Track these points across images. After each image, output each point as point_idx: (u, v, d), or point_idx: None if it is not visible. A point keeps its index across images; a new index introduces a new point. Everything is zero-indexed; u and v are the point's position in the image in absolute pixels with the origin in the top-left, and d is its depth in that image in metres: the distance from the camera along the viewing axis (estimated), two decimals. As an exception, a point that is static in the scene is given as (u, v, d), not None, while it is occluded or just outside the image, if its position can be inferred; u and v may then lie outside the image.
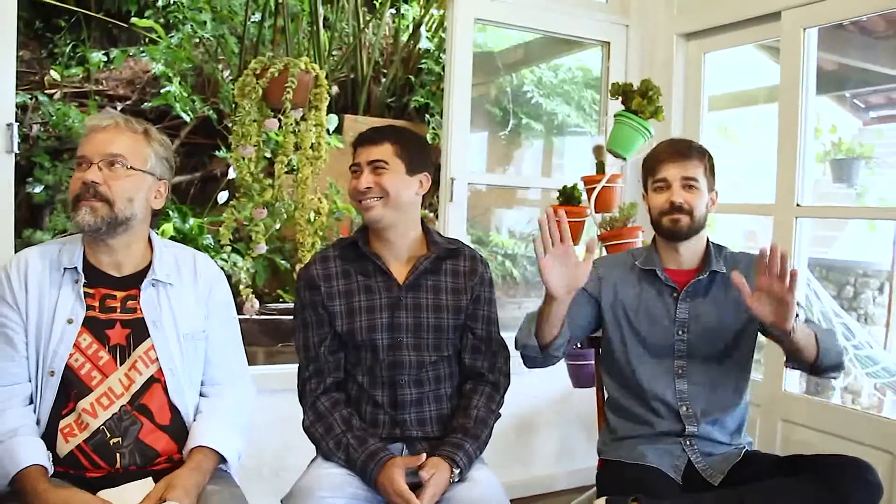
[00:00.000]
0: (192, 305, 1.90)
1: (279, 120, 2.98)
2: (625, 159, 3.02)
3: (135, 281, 1.85)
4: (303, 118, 2.96)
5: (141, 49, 5.26)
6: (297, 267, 2.96)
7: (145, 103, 5.25)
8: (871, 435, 2.69)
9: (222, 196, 4.14)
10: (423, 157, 2.08)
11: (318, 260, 2.08)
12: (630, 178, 3.54)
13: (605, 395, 2.35)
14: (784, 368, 3.08)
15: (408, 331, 2.02)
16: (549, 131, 5.23)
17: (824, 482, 1.87)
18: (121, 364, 1.77)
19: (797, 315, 1.92)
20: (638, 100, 2.97)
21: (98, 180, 1.76)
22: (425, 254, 2.08)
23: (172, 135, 5.29)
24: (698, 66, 3.59)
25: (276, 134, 3.18)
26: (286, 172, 2.98)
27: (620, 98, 3.02)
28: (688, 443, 2.12)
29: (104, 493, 1.66)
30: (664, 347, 2.18)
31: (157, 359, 1.80)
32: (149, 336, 1.81)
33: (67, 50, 5.10)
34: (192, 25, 4.93)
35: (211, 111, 4.85)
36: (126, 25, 5.32)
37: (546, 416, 3.59)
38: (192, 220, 4.30)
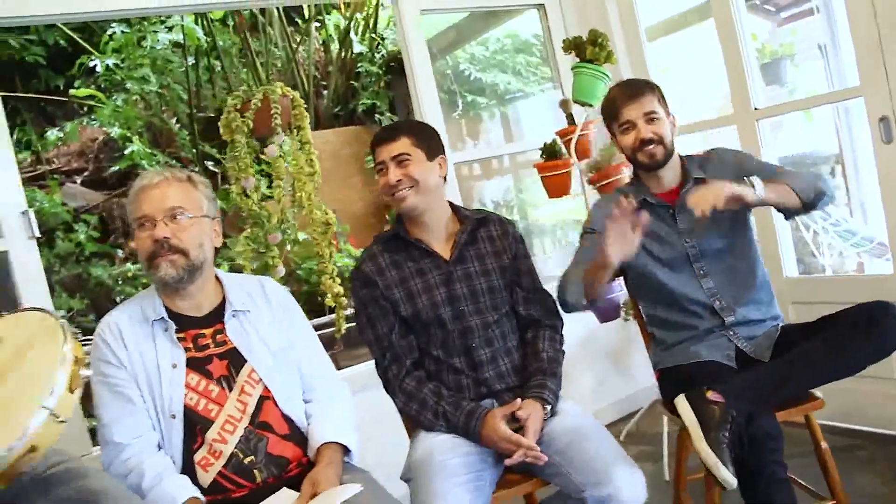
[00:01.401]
0: (271, 324, 2.05)
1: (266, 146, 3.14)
2: (592, 106, 3.23)
3: (216, 316, 2.00)
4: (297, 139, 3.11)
5: (85, 118, 5.31)
6: (323, 278, 3.14)
7: (106, 170, 5.31)
8: (868, 292, 2.93)
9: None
10: (436, 141, 2.27)
11: (367, 259, 2.26)
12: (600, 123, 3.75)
13: (644, 317, 2.57)
14: (781, 257, 3.35)
15: (466, 299, 2.21)
16: (498, 102, 5.43)
17: (856, 325, 2.11)
18: (230, 392, 1.92)
19: (753, 185, 2.15)
20: (591, 48, 3.18)
21: (168, 234, 1.91)
22: (460, 228, 2.27)
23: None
24: (630, 6, 3.82)
25: (264, 161, 3.32)
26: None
27: (574, 52, 3.23)
28: (731, 332, 2.35)
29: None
30: (680, 258, 2.40)
31: (259, 379, 1.96)
32: (245, 361, 1.96)
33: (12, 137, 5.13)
34: (131, 84, 5.00)
35: (174, 161, 4.94)
36: (63, 99, 5.36)
37: (576, 357, 3.76)
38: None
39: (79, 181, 5.20)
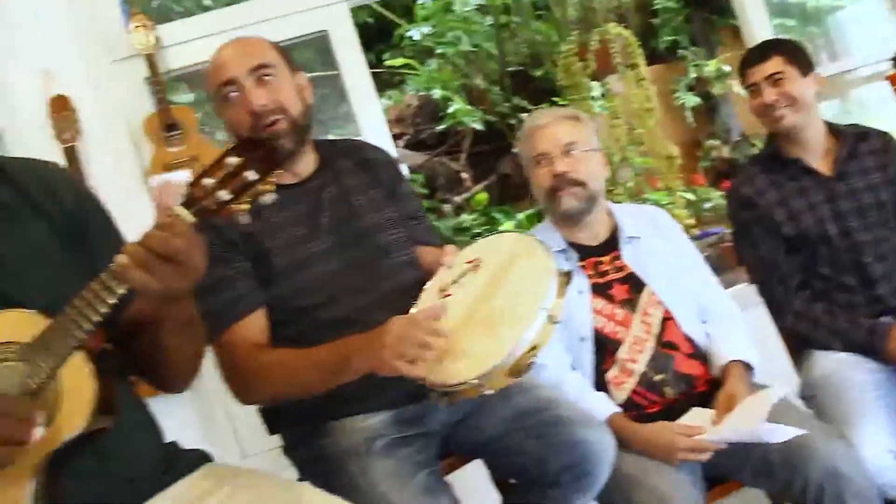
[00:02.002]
0: (662, 249, 2.12)
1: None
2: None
3: (611, 244, 2.10)
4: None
5: (398, 88, 5.72)
6: (674, 210, 3.17)
7: (423, 133, 5.69)
8: None
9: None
10: (807, 57, 2.20)
11: (744, 181, 2.24)
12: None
13: None
14: None
15: (853, 215, 2.13)
16: (809, 22, 5.06)
17: None
18: (633, 314, 2.02)
19: None
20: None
21: (566, 169, 2.03)
22: (838, 144, 2.19)
23: (455, 152, 5.68)
24: None
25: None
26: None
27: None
28: None
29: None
30: None
31: (660, 301, 2.03)
32: (645, 285, 2.04)
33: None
34: (443, 49, 5.30)
35: (491, 117, 5.19)
36: (376, 71, 5.80)
37: None
38: (520, 215, 4.64)
39: (402, 145, 5.61)
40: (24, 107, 2.69)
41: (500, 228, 4.55)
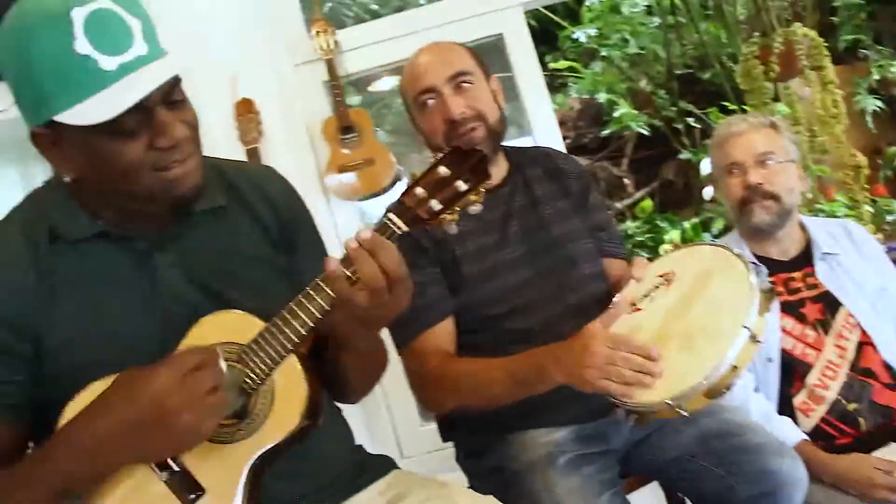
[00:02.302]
0: (861, 267, 1.97)
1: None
2: None
3: (804, 260, 1.98)
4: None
5: (562, 91, 5.64)
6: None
7: (585, 136, 5.60)
8: None
9: (707, 192, 4.27)
10: None
11: None
12: None
13: None
14: None
15: None
16: None
17: None
18: (826, 336, 1.88)
19: None
20: None
21: (760, 180, 1.92)
22: None
23: (617, 157, 5.56)
24: None
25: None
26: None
27: None
28: None
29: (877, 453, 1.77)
30: None
31: (857, 323, 1.89)
32: (841, 304, 1.90)
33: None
34: (607, 51, 5.19)
35: (656, 121, 5.03)
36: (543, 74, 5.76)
37: None
38: (686, 224, 4.48)
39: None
40: (211, 109, 2.82)
41: (667, 237, 4.39)
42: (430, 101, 1.66)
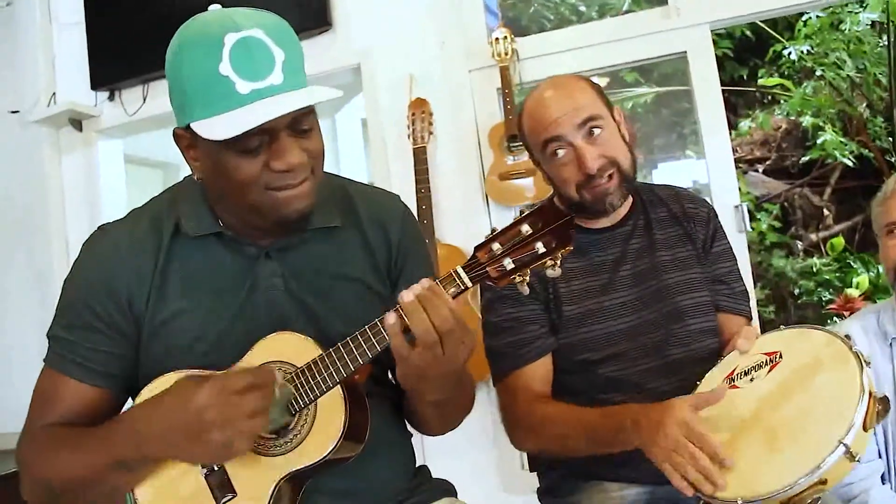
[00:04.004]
0: None
1: None
2: None
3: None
4: None
5: (769, 108, 5.33)
6: None
7: (787, 159, 5.26)
8: None
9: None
10: None
11: None
12: None
13: None
14: None
15: None
16: None
17: None
18: None
19: None
20: None
21: None
22: None
23: (820, 184, 5.18)
24: None
25: None
26: None
27: None
28: None
29: None
30: None
31: None
32: None
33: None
34: (822, 70, 4.83)
35: (866, 151, 4.64)
36: (747, 90, 5.45)
37: None
38: (881, 269, 4.11)
39: (760, 170, 5.24)
40: (387, 104, 2.95)
41: (856, 280, 4.03)
42: (561, 152, 1.56)
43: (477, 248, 1.11)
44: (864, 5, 4.80)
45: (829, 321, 3.81)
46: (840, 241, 4.54)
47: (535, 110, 1.61)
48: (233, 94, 1.09)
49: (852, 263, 4.30)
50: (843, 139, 4.66)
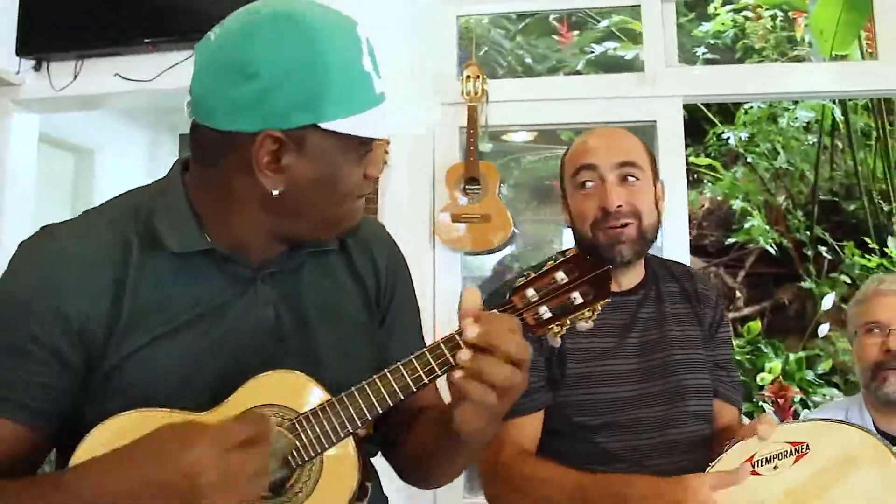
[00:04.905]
0: None
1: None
2: None
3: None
4: None
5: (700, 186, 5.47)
6: None
7: (706, 238, 5.38)
8: None
9: (823, 329, 4.02)
10: None
11: None
12: None
13: None
14: None
15: None
16: None
17: None
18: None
19: None
20: None
21: None
22: None
23: (735, 266, 5.31)
24: None
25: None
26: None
27: None
28: None
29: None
30: None
31: None
32: None
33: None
34: (753, 158, 4.98)
35: (784, 241, 4.79)
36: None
37: None
38: (791, 356, 4.22)
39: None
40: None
41: (768, 366, 4.10)
42: (590, 183, 1.52)
43: (512, 294, 1.00)
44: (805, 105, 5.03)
45: (759, 407, 3.83)
46: (757, 325, 4.64)
47: (581, 142, 1.58)
48: (372, 92, 1.00)
49: (763, 348, 4.38)
50: (766, 226, 4.80)
